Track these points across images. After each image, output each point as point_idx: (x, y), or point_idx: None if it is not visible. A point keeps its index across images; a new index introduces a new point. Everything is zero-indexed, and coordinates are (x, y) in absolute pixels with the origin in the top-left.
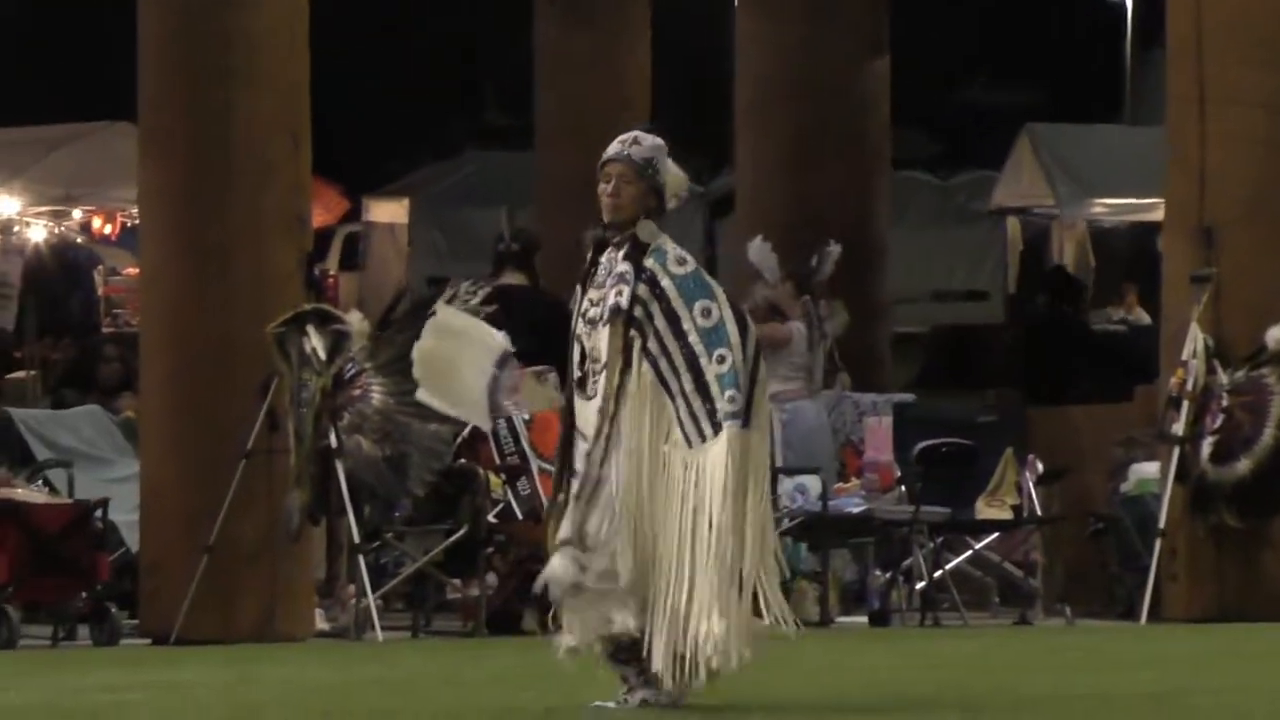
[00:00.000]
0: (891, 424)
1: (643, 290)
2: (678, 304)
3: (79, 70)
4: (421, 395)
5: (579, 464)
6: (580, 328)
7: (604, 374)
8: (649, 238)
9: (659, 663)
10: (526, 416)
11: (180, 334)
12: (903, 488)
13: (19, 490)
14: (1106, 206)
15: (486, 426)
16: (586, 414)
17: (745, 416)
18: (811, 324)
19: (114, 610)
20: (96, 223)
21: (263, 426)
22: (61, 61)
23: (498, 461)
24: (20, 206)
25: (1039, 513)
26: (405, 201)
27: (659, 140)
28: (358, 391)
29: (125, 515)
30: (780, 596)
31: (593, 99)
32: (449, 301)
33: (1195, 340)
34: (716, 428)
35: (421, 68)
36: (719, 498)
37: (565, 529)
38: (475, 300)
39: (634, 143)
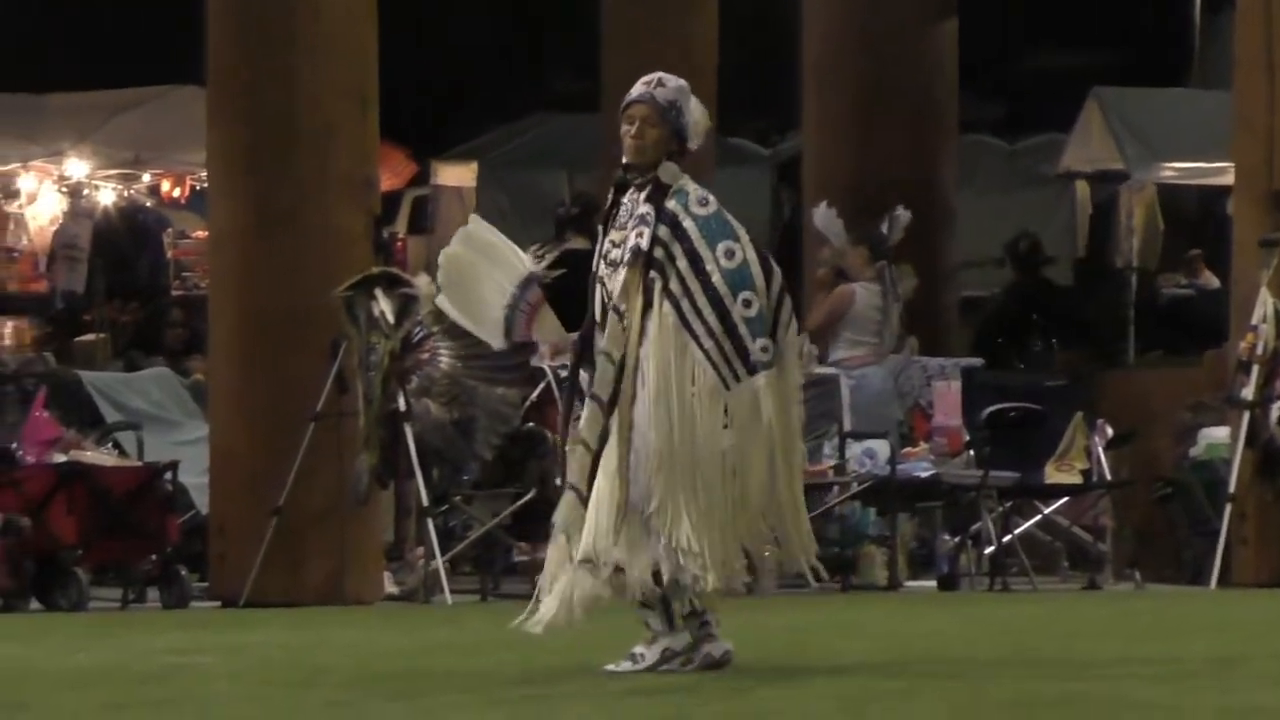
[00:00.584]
0: (960, 388)
1: (664, 231)
2: (700, 245)
3: (147, 33)
4: (441, 301)
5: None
6: (602, 269)
7: (609, 316)
8: (670, 179)
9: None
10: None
11: (248, 297)
12: (971, 452)
13: (88, 453)
14: (1175, 170)
15: (498, 345)
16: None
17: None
18: (885, 288)
19: (183, 573)
20: (165, 186)
21: (331, 389)
22: (130, 25)
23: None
24: (89, 170)
25: (1108, 477)
26: (473, 165)
27: (683, 82)
28: (426, 355)
29: (194, 478)
30: (810, 543)
31: (658, 62)
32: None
33: (1265, 304)
34: (751, 369)
35: (488, 32)
36: (758, 441)
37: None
38: (543, 264)
39: (658, 84)
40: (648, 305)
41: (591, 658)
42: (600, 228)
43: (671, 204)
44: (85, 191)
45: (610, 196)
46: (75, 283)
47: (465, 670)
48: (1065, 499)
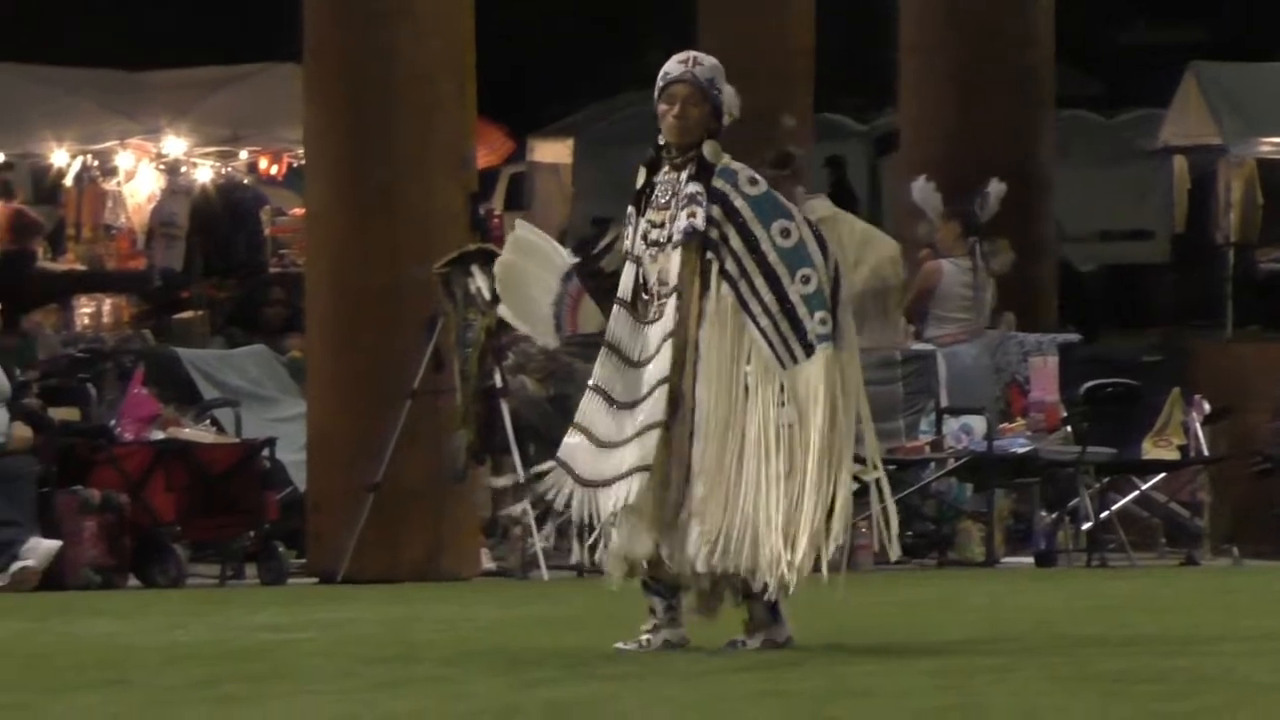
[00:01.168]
0: (1057, 364)
1: (716, 211)
2: (754, 225)
3: (244, 11)
4: (501, 310)
5: (617, 387)
6: (640, 250)
7: (672, 298)
8: (714, 158)
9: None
10: None
11: (345, 274)
12: (1068, 428)
13: (186, 430)
14: (1273, 144)
15: (553, 344)
16: (641, 338)
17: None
18: (976, 265)
19: (281, 549)
20: (263, 163)
21: (428, 366)
22: (226, 3)
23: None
24: (187, 147)
25: (1205, 452)
26: (569, 142)
27: (716, 60)
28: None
29: (292, 454)
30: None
31: (755, 39)
32: (612, 243)
33: None
34: (808, 349)
35: (584, 9)
36: (816, 419)
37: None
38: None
39: (695, 62)
40: (704, 286)
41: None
42: (632, 208)
43: (720, 183)
44: (183, 169)
45: (642, 176)
46: (173, 260)
47: (562, 646)
48: (1162, 474)
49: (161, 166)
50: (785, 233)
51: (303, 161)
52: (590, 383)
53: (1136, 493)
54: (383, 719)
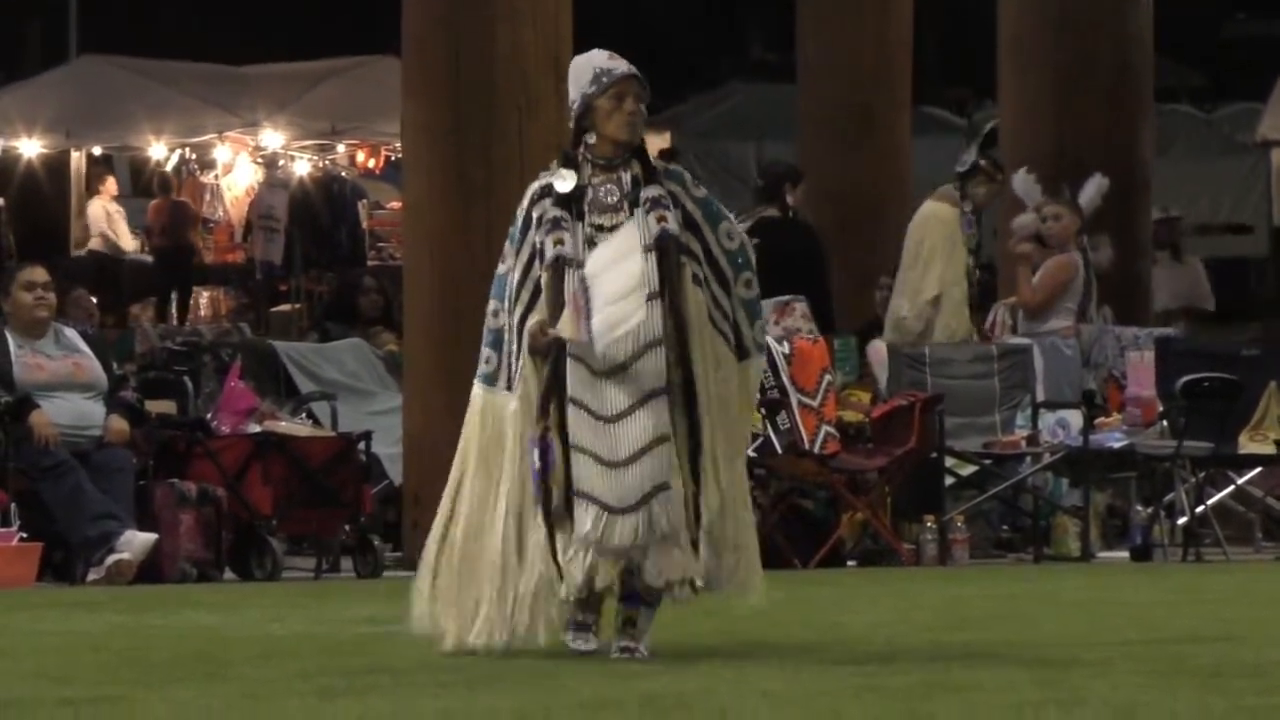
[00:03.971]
0: (1154, 358)
1: (676, 215)
2: (705, 227)
3: (344, 5)
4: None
5: (590, 398)
6: (582, 254)
7: (648, 304)
8: (656, 160)
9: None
10: (786, 350)
11: (444, 268)
12: (1165, 422)
13: (283, 423)
14: None
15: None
16: (609, 349)
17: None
18: (1088, 258)
19: (377, 542)
20: (361, 156)
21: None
22: None
23: (757, 397)
24: (285, 140)
25: None
26: (666, 135)
27: None
28: None
29: (388, 448)
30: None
31: (854, 32)
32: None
33: None
34: (743, 353)
35: (687, 6)
36: (737, 426)
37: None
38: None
39: (628, 61)
40: (680, 291)
41: (784, 630)
42: (564, 211)
43: (673, 186)
44: (281, 162)
45: (572, 179)
46: (273, 253)
47: (655, 641)
48: (1259, 469)
49: (259, 160)
50: (730, 235)
51: (400, 155)
52: (569, 395)
53: (1233, 487)
54: (483, 713)
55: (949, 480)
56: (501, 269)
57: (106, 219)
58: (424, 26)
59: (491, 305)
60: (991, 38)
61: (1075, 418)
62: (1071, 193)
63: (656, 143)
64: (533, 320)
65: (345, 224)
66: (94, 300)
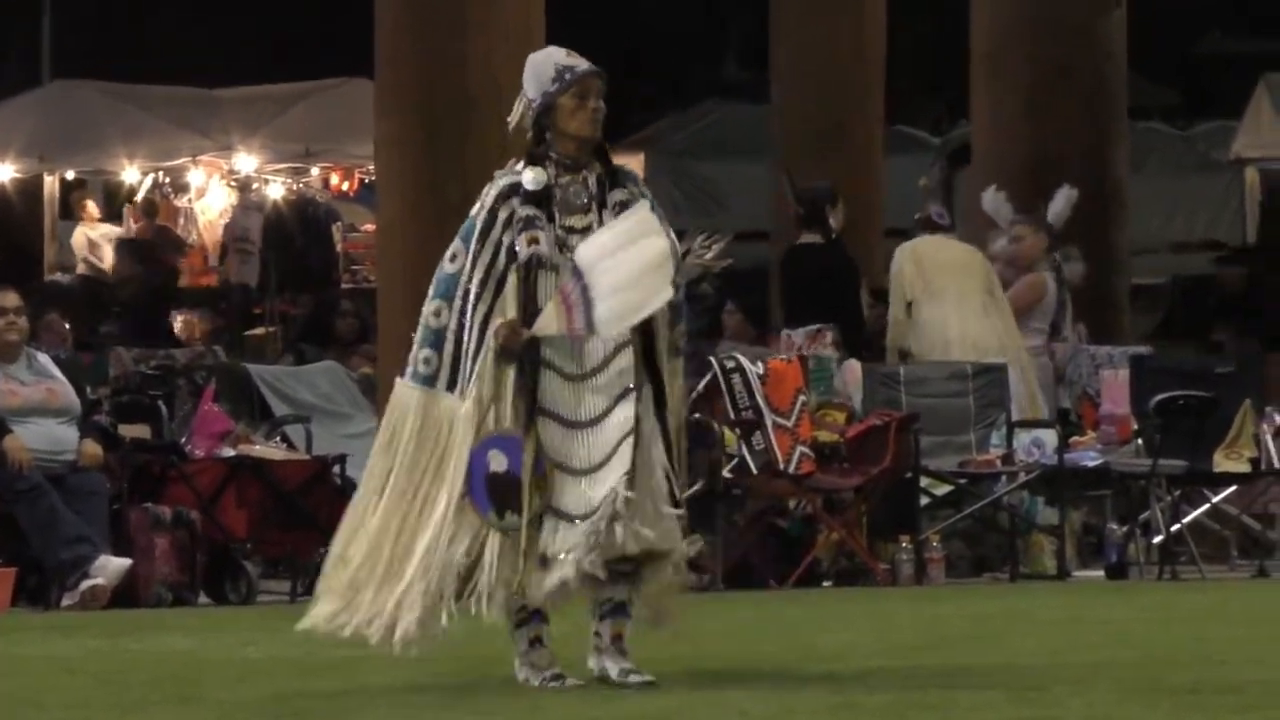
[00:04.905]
0: (1128, 376)
1: None
2: None
3: (316, 28)
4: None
5: (560, 405)
6: (559, 258)
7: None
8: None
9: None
10: (761, 370)
11: (419, 287)
12: (1140, 440)
13: (257, 446)
14: None
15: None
16: (581, 348)
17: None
18: (1061, 277)
19: None
20: (334, 179)
21: None
22: (298, 19)
23: (732, 416)
24: (258, 164)
25: (1277, 465)
26: (640, 155)
27: None
28: None
29: (363, 471)
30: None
31: (828, 51)
32: (684, 255)
33: None
34: (677, 354)
35: (662, 21)
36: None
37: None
38: (709, 255)
39: (586, 59)
40: None
41: (760, 650)
42: (538, 210)
43: (632, 188)
44: (254, 185)
45: (541, 176)
46: (248, 276)
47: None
48: (1234, 487)
49: (233, 183)
50: (669, 236)
51: (374, 177)
52: (540, 405)
53: (1208, 505)
54: None
55: (924, 499)
56: (450, 268)
57: (89, 246)
58: (396, 44)
59: (434, 305)
60: (965, 55)
61: (1050, 436)
62: (1042, 211)
63: (631, 164)
64: (499, 321)
65: (319, 247)
66: (67, 325)
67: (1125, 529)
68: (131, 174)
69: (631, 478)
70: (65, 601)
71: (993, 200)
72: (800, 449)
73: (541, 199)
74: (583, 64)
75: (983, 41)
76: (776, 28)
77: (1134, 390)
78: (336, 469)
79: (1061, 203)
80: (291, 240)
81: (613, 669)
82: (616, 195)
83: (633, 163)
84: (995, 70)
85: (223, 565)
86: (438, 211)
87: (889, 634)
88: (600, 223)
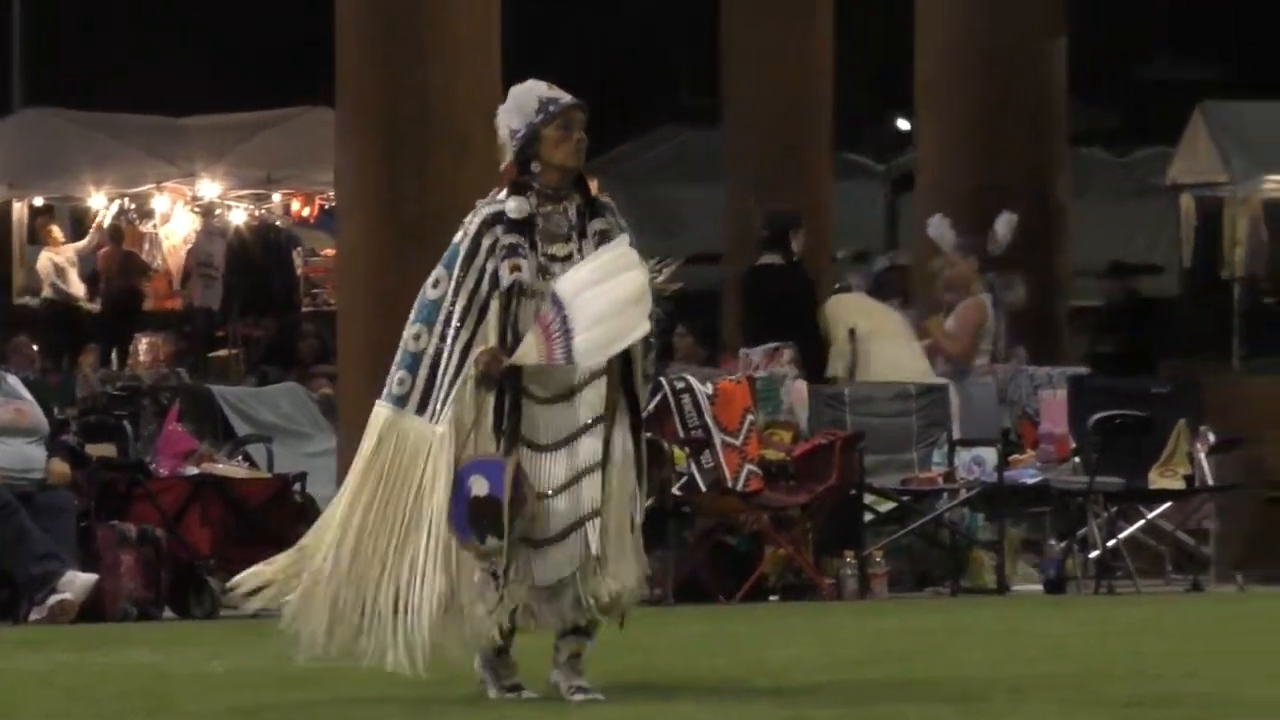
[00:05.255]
0: (1066, 396)
1: None
2: None
3: (278, 57)
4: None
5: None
6: (541, 285)
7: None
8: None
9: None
10: (710, 390)
11: (378, 310)
12: (1078, 458)
13: (220, 465)
14: None
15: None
16: (559, 373)
17: None
18: (997, 298)
19: None
20: (296, 205)
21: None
22: (262, 49)
23: (681, 435)
24: (221, 190)
25: (1210, 482)
26: (594, 181)
27: None
28: None
29: (323, 489)
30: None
31: (776, 79)
32: None
33: None
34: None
35: (617, 50)
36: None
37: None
38: (660, 278)
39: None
40: None
41: (709, 665)
42: (522, 238)
43: (610, 219)
44: (218, 211)
45: (525, 205)
46: (211, 299)
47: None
48: (1169, 503)
49: (196, 209)
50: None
51: (334, 203)
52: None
53: (1144, 521)
54: None
55: (869, 516)
56: (433, 294)
57: (55, 271)
58: (357, 71)
59: (415, 329)
60: (910, 84)
61: (991, 454)
62: (979, 235)
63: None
64: (481, 348)
65: (281, 271)
66: (36, 348)
67: (1063, 545)
68: (98, 200)
69: (601, 520)
70: (34, 616)
71: (937, 226)
72: (748, 467)
73: (524, 227)
74: (565, 96)
75: (928, 70)
76: (728, 57)
77: (1072, 410)
78: (297, 487)
79: (1003, 227)
80: (254, 265)
81: (563, 684)
82: (596, 225)
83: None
84: (940, 98)
85: (187, 581)
86: (396, 237)
87: (835, 648)
88: (581, 251)
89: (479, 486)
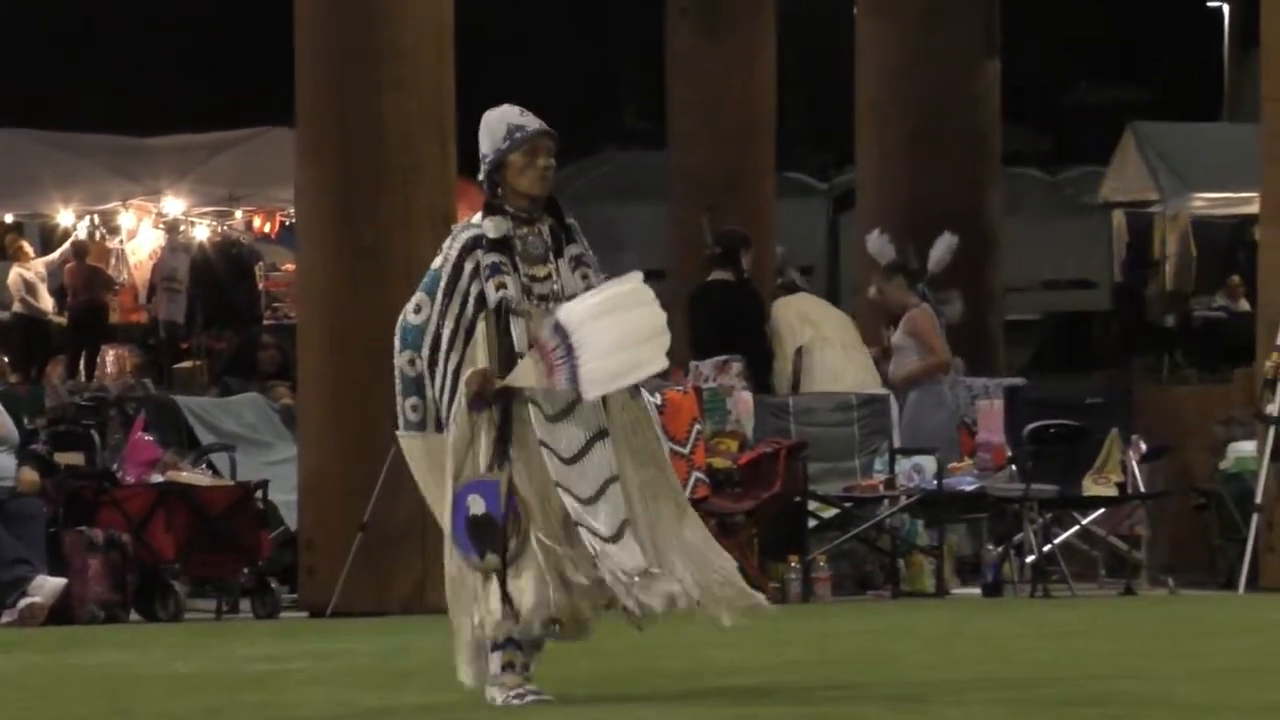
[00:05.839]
0: (1003, 406)
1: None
2: (598, 280)
3: (240, 80)
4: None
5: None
6: (528, 306)
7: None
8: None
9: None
10: (659, 401)
11: (335, 324)
12: (1014, 466)
13: (184, 473)
14: (1207, 200)
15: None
16: (556, 391)
17: None
18: (936, 311)
19: (274, 584)
20: (257, 222)
21: None
22: (224, 72)
23: None
24: (186, 207)
25: (1142, 489)
26: None
27: None
28: None
29: (284, 495)
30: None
31: (722, 101)
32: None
33: None
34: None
35: (564, 75)
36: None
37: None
38: None
39: (536, 117)
40: None
41: (661, 666)
42: (504, 258)
43: (583, 242)
44: (182, 228)
45: (502, 226)
46: (176, 313)
47: (543, 674)
48: (1102, 510)
49: (161, 225)
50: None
51: (294, 219)
52: (538, 439)
53: (1077, 527)
54: None
55: (812, 522)
56: (416, 319)
57: (25, 286)
58: (315, 96)
59: (406, 355)
60: (851, 106)
61: (930, 462)
62: (908, 253)
63: None
64: (471, 370)
65: (243, 285)
66: (6, 360)
67: (1000, 550)
68: (66, 217)
69: (631, 532)
70: (4, 618)
71: (876, 242)
72: (696, 475)
73: (504, 247)
74: (534, 123)
75: (867, 93)
76: (673, 81)
77: (1008, 419)
78: (259, 494)
79: (942, 249)
80: (217, 279)
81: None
82: (572, 250)
83: None
84: (879, 120)
85: (152, 585)
86: (353, 253)
87: (780, 649)
88: (558, 273)
89: (476, 505)
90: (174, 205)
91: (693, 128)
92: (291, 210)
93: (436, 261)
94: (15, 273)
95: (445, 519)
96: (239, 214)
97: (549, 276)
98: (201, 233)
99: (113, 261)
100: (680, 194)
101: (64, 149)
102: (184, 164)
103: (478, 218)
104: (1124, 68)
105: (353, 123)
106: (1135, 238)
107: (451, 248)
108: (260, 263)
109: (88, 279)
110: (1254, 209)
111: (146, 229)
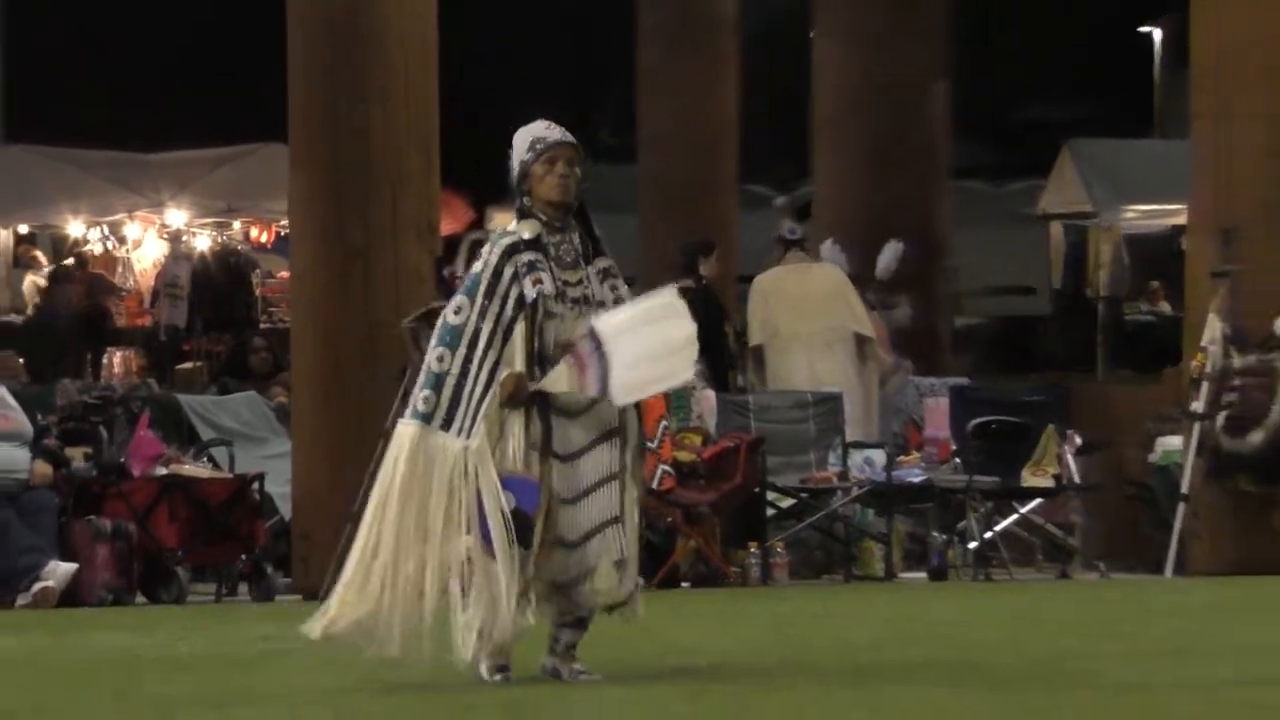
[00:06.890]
0: (949, 404)
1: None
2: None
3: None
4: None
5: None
6: (559, 309)
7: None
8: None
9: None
10: None
11: (326, 327)
12: (959, 459)
13: (186, 466)
14: (1138, 212)
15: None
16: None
17: None
18: (886, 315)
19: (270, 570)
20: (254, 232)
21: (399, 409)
22: (223, 91)
23: None
24: (187, 218)
25: (1077, 480)
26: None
27: None
28: None
29: (279, 487)
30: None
31: (686, 116)
32: None
33: (1213, 328)
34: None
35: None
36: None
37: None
38: None
39: (564, 130)
40: None
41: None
42: (540, 255)
43: (610, 258)
44: (184, 238)
45: (532, 229)
46: (177, 318)
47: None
48: (1040, 500)
49: (164, 236)
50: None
51: (288, 230)
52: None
53: (1017, 516)
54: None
55: (770, 511)
56: (455, 320)
57: (39, 292)
58: (308, 110)
59: (438, 351)
60: (809, 122)
61: (880, 456)
62: (872, 259)
63: (504, 220)
64: (507, 371)
65: (240, 291)
66: (20, 361)
67: (945, 537)
68: (76, 228)
69: (622, 527)
70: (19, 602)
71: (830, 250)
72: (662, 468)
73: (538, 247)
74: (555, 134)
75: (824, 110)
76: (643, 100)
77: (953, 415)
78: (256, 486)
79: (889, 256)
80: (216, 286)
81: (563, 669)
82: (601, 263)
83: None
84: (835, 136)
85: (156, 570)
86: (343, 260)
87: (739, 629)
88: (589, 280)
89: (506, 501)
90: (176, 217)
91: (661, 145)
92: (286, 221)
93: (477, 266)
94: (30, 280)
95: (386, 513)
96: (237, 225)
97: (580, 282)
98: (202, 242)
99: (119, 269)
100: (649, 204)
101: (72, 164)
102: (185, 178)
103: (514, 224)
104: (1063, 88)
105: (343, 137)
106: (1072, 248)
107: (492, 253)
108: (256, 270)
109: (89, 286)
110: (1183, 220)
111: (151, 239)
